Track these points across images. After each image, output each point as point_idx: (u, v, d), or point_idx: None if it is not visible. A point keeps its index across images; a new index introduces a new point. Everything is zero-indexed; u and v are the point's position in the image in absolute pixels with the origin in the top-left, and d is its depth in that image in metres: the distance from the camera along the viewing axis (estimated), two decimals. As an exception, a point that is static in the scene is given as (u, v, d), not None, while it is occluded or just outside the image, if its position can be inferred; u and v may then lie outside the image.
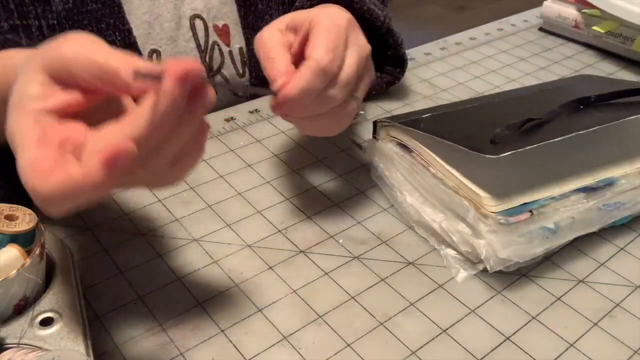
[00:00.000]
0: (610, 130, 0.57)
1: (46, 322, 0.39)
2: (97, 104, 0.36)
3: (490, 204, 0.48)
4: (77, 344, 0.37)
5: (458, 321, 0.45)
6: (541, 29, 0.92)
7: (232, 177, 0.59)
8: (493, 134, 0.51)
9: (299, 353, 0.43)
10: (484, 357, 0.43)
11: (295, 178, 0.59)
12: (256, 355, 0.42)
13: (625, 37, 0.81)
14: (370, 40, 0.53)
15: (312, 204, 0.56)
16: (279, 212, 0.55)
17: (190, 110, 0.33)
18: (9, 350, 0.36)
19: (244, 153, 0.62)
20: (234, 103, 0.71)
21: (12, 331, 0.38)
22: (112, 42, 0.59)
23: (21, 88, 0.34)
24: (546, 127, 0.53)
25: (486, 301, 0.47)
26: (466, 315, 0.46)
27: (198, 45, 0.68)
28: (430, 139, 0.54)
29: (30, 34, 0.57)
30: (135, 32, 0.63)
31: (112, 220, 0.53)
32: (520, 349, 0.43)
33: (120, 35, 0.61)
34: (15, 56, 0.43)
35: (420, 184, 0.54)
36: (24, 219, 0.40)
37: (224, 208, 0.55)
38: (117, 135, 0.31)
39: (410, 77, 0.77)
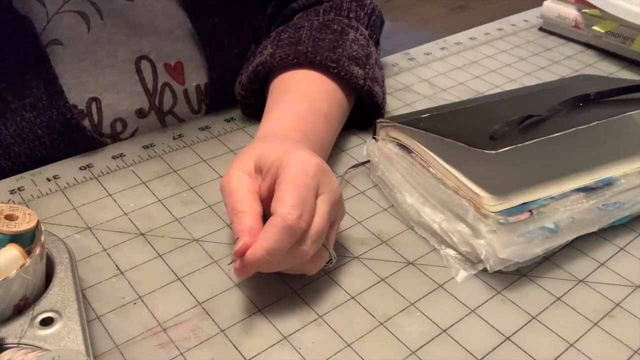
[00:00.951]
0: (609, 128, 0.57)
1: (46, 322, 0.39)
2: None
3: (490, 204, 0.48)
4: (77, 344, 0.37)
5: (458, 321, 0.45)
6: (541, 29, 0.92)
7: (232, 177, 0.59)
8: (492, 130, 0.51)
9: (299, 353, 0.43)
10: (484, 357, 0.43)
11: (295, 178, 0.59)
12: (256, 355, 0.42)
13: (625, 37, 0.81)
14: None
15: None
16: (279, 212, 0.55)
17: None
18: (9, 350, 0.36)
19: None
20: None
21: (12, 331, 0.38)
22: (36, 93, 0.57)
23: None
24: (546, 124, 0.53)
25: (486, 301, 0.47)
26: (466, 315, 0.46)
27: (146, 90, 0.64)
28: (430, 139, 0.54)
29: None
30: (71, 81, 0.59)
31: (112, 220, 0.53)
32: (520, 349, 0.43)
33: (44, 85, 0.57)
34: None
35: (420, 184, 0.54)
36: (24, 219, 0.40)
37: (224, 208, 0.55)
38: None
39: (410, 77, 0.77)
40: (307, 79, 0.61)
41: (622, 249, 0.52)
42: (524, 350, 0.43)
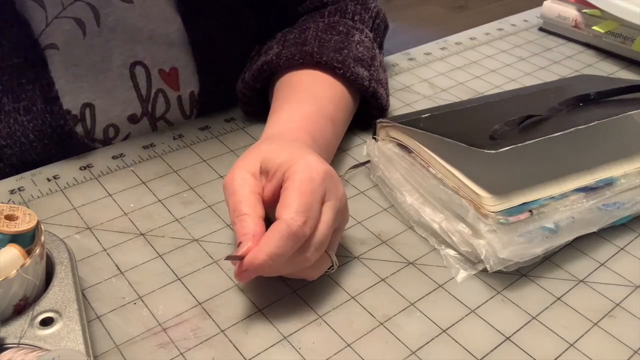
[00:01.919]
0: (609, 128, 0.57)
1: (46, 322, 0.39)
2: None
3: (490, 204, 0.48)
4: (77, 344, 0.37)
5: (458, 321, 0.45)
6: (541, 29, 0.92)
7: (232, 177, 0.59)
8: (492, 130, 0.50)
9: (299, 353, 0.43)
10: (484, 357, 0.43)
11: (295, 178, 0.59)
12: (256, 355, 0.42)
13: (625, 37, 0.81)
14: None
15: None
16: (279, 212, 0.55)
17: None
18: (9, 350, 0.36)
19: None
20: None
21: (12, 331, 0.38)
22: (31, 97, 0.57)
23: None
24: (545, 123, 0.53)
25: (486, 301, 0.47)
26: (466, 315, 0.46)
27: (139, 96, 0.64)
28: (430, 139, 0.54)
29: None
30: (66, 86, 0.59)
31: (112, 220, 0.53)
32: (520, 349, 0.43)
33: (40, 89, 0.57)
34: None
35: (420, 184, 0.54)
36: (24, 219, 0.40)
37: (224, 208, 0.55)
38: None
39: (410, 77, 0.77)
40: (314, 79, 0.61)
41: (622, 249, 0.52)
42: (524, 350, 0.43)
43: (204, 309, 0.46)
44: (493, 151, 0.47)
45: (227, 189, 0.46)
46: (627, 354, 0.43)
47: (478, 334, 0.44)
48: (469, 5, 2.90)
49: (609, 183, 0.52)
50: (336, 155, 0.62)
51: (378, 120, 0.59)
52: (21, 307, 0.39)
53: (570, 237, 0.49)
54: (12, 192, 0.56)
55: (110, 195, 0.56)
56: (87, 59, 0.60)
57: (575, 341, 0.44)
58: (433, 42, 0.87)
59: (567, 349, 0.43)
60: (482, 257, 0.47)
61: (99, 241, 0.51)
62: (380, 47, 0.73)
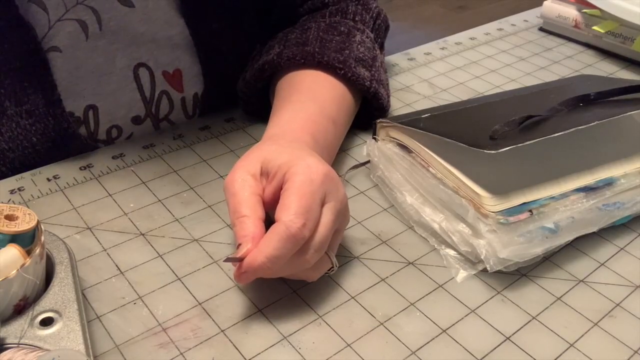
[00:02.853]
0: (609, 128, 0.57)
1: (46, 322, 0.39)
2: None
3: (490, 204, 0.48)
4: (77, 344, 0.37)
5: (458, 321, 0.45)
6: (541, 29, 0.92)
7: (232, 177, 0.59)
8: (492, 130, 0.51)
9: (299, 353, 0.43)
10: (484, 357, 0.43)
11: (295, 178, 0.59)
12: (256, 355, 0.42)
13: (625, 37, 0.81)
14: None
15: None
16: (279, 212, 0.55)
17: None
18: (9, 350, 0.36)
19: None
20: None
21: (12, 331, 0.38)
22: (34, 100, 0.56)
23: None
24: (546, 124, 0.53)
25: (486, 301, 0.47)
26: (466, 315, 0.46)
27: (143, 98, 0.63)
28: (430, 139, 0.54)
29: None
30: (69, 89, 0.59)
31: (112, 220, 0.53)
32: (520, 349, 0.43)
33: (42, 92, 0.57)
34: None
35: (420, 184, 0.54)
36: (24, 219, 0.40)
37: (224, 208, 0.55)
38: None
39: (410, 77, 0.77)
40: (316, 80, 0.60)
41: (622, 249, 0.52)
42: (524, 350, 0.43)
43: (204, 309, 0.46)
44: (493, 151, 0.47)
45: (228, 190, 0.46)
46: (627, 354, 0.43)
47: (478, 334, 0.44)
48: (469, 5, 2.90)
49: (609, 183, 0.52)
50: (336, 155, 0.62)
51: (378, 120, 0.59)
52: (21, 307, 0.39)
53: (570, 237, 0.49)
54: (12, 192, 0.56)
55: (110, 195, 0.56)
56: (90, 61, 0.60)
57: (575, 341, 0.44)
58: (433, 42, 0.87)
59: (567, 349, 0.43)
60: (482, 257, 0.47)
61: (99, 241, 0.51)
62: (382, 47, 0.73)
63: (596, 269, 0.50)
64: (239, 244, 0.42)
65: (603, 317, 0.46)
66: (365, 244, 0.52)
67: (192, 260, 0.50)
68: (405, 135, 0.56)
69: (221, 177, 0.59)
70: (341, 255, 0.50)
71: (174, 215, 0.54)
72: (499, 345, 0.44)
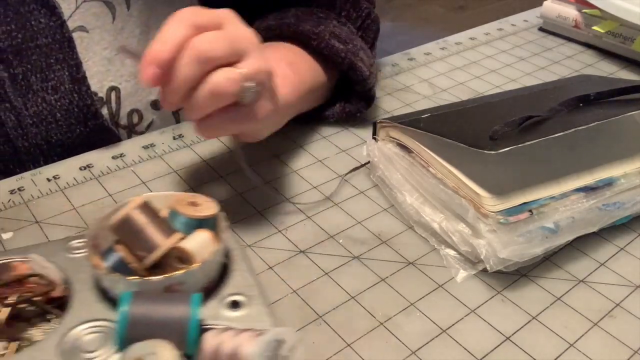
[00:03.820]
0: (609, 128, 0.57)
1: (235, 305, 0.39)
2: None
3: (490, 204, 0.48)
4: (267, 325, 0.37)
5: (458, 321, 0.45)
6: (541, 29, 0.92)
7: (232, 177, 0.59)
8: (492, 131, 0.51)
9: (299, 353, 0.43)
10: (484, 357, 0.43)
11: (295, 178, 0.59)
12: (256, 355, 0.42)
13: (625, 37, 0.81)
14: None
15: (312, 204, 0.56)
16: (279, 212, 0.55)
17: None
18: (214, 330, 0.35)
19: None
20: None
21: (207, 313, 0.37)
22: (60, 77, 0.59)
23: None
24: (546, 124, 0.53)
25: (486, 301, 0.47)
26: (466, 315, 0.46)
27: None
28: (430, 139, 0.54)
29: None
30: (93, 69, 0.61)
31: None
32: (520, 349, 0.43)
33: (68, 70, 0.59)
34: None
35: (420, 184, 0.54)
36: (206, 206, 0.42)
37: (224, 208, 0.55)
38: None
39: (410, 77, 0.77)
40: (290, 49, 0.62)
41: (622, 249, 0.52)
42: (524, 350, 0.43)
43: (204, 309, 0.46)
44: (493, 152, 0.47)
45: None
46: (627, 354, 0.43)
47: (478, 334, 0.44)
48: (469, 5, 2.90)
49: (609, 183, 0.52)
50: (336, 155, 0.62)
51: (378, 120, 0.59)
52: (210, 290, 0.39)
53: (570, 237, 0.49)
54: (12, 192, 0.56)
55: (110, 195, 0.56)
56: (115, 42, 0.62)
57: (575, 341, 0.44)
58: (433, 42, 0.87)
59: (567, 349, 0.43)
60: (482, 257, 0.47)
61: (99, 241, 0.51)
62: (372, 47, 0.73)
63: (596, 269, 0.50)
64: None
65: (603, 317, 0.46)
66: (365, 244, 0.52)
67: (192, 260, 0.50)
68: (405, 135, 0.56)
69: (221, 177, 0.59)
70: (341, 255, 0.50)
71: (174, 215, 0.54)
72: (499, 345, 0.44)
